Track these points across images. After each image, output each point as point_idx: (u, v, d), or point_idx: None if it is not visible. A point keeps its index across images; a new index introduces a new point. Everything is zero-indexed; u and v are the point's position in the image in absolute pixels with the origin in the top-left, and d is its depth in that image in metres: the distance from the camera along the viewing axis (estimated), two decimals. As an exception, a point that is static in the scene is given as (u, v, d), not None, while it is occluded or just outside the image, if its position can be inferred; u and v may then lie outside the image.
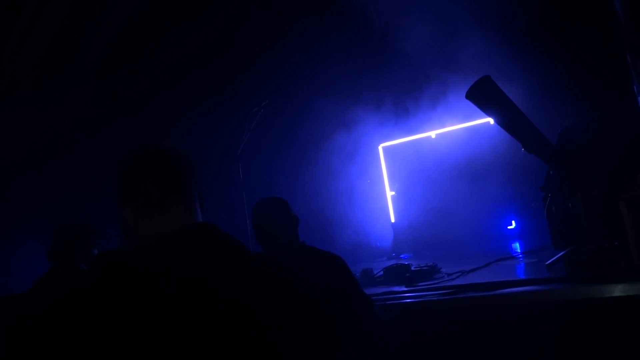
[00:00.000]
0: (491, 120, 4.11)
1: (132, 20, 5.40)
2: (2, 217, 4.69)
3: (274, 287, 0.93)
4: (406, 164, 5.94)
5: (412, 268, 3.27)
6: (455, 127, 5.72)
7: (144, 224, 1.00)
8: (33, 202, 4.93)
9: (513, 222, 5.27)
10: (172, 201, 1.00)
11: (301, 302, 0.95)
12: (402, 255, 5.13)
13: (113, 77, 5.49)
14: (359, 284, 1.95)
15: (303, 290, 0.98)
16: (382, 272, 3.42)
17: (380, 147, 6.31)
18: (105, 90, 5.51)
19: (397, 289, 3.01)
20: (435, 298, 2.63)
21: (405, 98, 5.02)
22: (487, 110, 3.05)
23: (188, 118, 5.75)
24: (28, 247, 4.16)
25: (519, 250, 4.11)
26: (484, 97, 2.86)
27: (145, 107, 5.45)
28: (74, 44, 5.21)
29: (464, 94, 2.96)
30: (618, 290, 2.13)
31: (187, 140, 5.71)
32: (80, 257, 2.77)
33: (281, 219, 2.00)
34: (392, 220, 5.98)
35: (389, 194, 6.19)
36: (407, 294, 2.83)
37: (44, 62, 5.03)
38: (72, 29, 5.06)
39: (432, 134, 5.80)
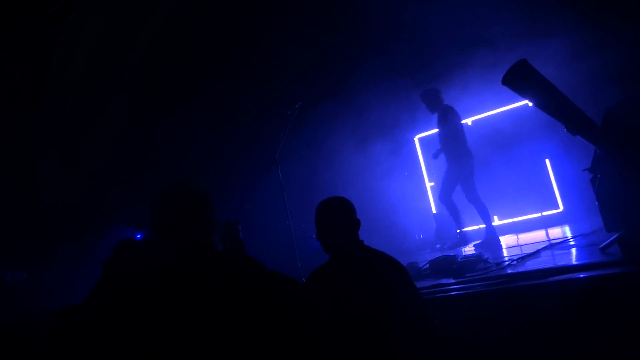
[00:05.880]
0: (529, 103, 4.00)
1: (170, 26, 5.64)
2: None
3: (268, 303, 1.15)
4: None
5: (459, 259, 3.23)
6: (492, 113, 5.60)
7: (169, 246, 1.31)
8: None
9: (560, 204, 5.12)
10: (189, 229, 1.31)
11: (290, 317, 1.15)
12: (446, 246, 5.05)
13: (157, 84, 5.78)
14: (417, 290, 1.93)
15: (295, 307, 1.18)
16: (427, 265, 3.40)
17: (416, 139, 6.24)
18: (149, 97, 5.82)
19: (444, 281, 2.99)
20: (485, 289, 2.60)
21: (439, 88, 4.93)
22: (525, 94, 2.97)
23: (228, 125, 5.95)
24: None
25: (569, 235, 3.98)
26: (521, 81, 2.79)
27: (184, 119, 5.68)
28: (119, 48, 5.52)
29: (500, 79, 2.90)
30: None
31: (226, 147, 5.90)
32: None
33: (342, 220, 2.01)
34: (434, 211, 5.91)
35: (428, 185, 6.11)
36: (455, 286, 2.81)
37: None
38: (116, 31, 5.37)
39: (469, 121, 5.69)
